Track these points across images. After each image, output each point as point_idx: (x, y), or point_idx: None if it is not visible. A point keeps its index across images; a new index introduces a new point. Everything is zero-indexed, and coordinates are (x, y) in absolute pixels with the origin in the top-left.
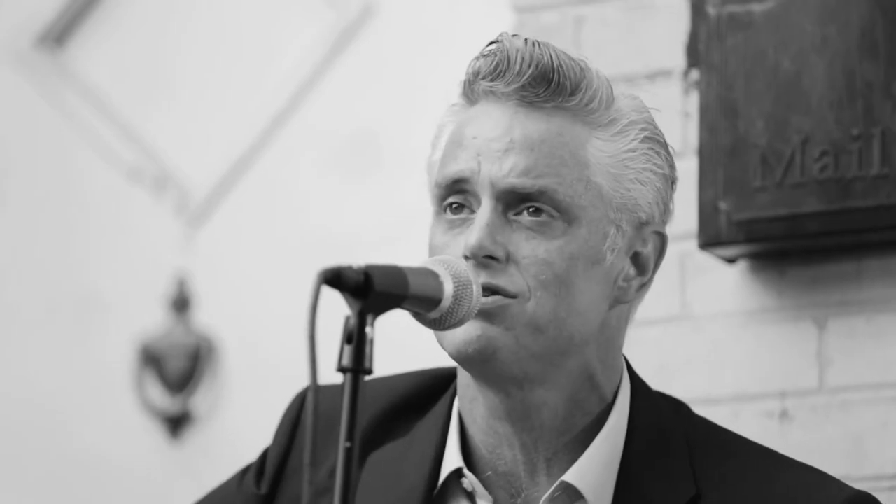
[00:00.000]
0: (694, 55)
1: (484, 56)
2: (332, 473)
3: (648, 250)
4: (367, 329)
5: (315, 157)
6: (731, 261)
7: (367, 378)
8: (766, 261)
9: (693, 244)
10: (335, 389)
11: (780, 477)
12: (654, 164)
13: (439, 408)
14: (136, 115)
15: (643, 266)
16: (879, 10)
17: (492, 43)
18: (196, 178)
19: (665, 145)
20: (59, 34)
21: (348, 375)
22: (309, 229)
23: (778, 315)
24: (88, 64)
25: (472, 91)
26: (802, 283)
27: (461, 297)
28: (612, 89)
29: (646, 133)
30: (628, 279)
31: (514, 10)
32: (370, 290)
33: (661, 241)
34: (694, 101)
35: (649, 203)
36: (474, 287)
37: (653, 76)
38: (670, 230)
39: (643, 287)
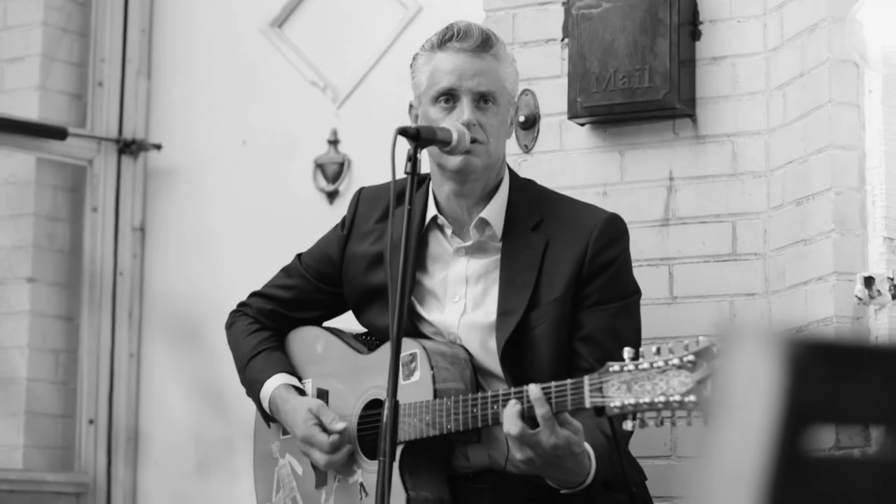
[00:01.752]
0: (566, 31)
1: (453, 27)
2: (378, 221)
3: (514, 115)
4: (419, 154)
5: None
6: (582, 124)
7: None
8: (598, 125)
9: (566, 117)
10: (382, 186)
11: (580, 207)
12: (517, 76)
13: (423, 189)
14: None
15: (513, 121)
16: (649, 14)
17: (456, 22)
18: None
19: (517, 68)
20: None
21: (410, 176)
22: None
23: (598, 148)
24: None
25: (442, 45)
26: (612, 135)
27: (460, 141)
28: (504, 44)
29: (513, 61)
30: (509, 128)
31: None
32: (419, 136)
33: (516, 108)
34: (566, 53)
35: (516, 93)
36: (466, 138)
37: (548, 41)
38: (557, 115)
39: (512, 130)
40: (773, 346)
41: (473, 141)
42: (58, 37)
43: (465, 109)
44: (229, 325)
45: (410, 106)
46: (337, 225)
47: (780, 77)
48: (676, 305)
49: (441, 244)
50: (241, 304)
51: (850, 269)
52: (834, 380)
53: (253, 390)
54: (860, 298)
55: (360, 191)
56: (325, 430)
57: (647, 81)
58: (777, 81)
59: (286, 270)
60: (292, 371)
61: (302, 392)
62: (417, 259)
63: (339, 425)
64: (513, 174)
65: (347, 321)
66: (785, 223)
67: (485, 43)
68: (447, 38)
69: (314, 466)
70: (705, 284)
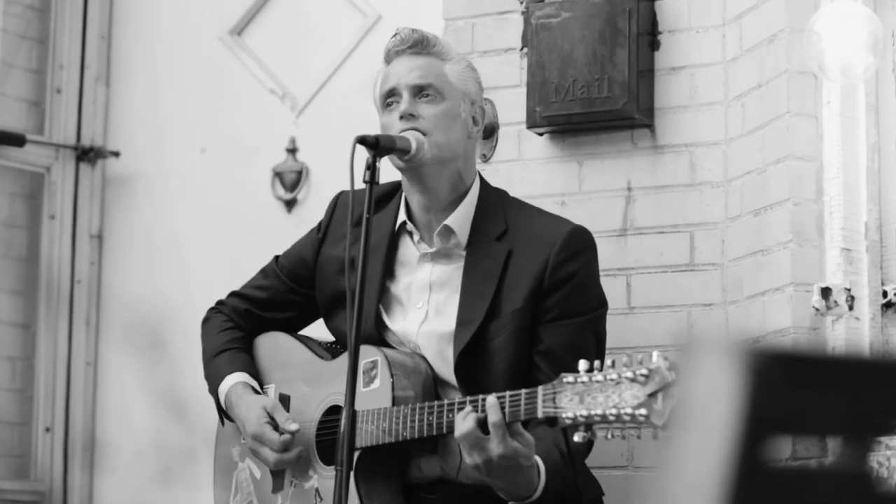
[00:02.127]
0: (525, 41)
1: (394, 38)
2: (352, 226)
3: (478, 115)
4: (377, 163)
5: None
6: (540, 134)
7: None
8: (557, 135)
9: (524, 126)
10: (360, 192)
11: (545, 218)
12: (474, 77)
13: (396, 198)
14: None
15: (477, 122)
16: (608, 24)
17: (396, 32)
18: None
19: (475, 71)
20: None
21: (368, 185)
22: None
23: (557, 158)
24: None
25: (388, 57)
26: (570, 145)
27: (419, 149)
28: (451, 46)
29: (467, 64)
30: (471, 127)
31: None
32: (378, 145)
33: (483, 111)
34: (525, 62)
35: (475, 93)
36: (424, 145)
37: (507, 50)
38: (515, 124)
39: (478, 132)
40: (733, 357)
41: (414, 130)
42: (16, 43)
43: (403, 102)
44: (205, 322)
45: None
46: (314, 228)
47: (739, 87)
48: (634, 315)
49: (409, 249)
50: (218, 303)
51: (808, 279)
52: (794, 391)
53: (212, 385)
54: (817, 309)
55: (339, 195)
56: (277, 429)
57: (605, 91)
58: (735, 92)
59: (263, 271)
60: (254, 373)
61: (257, 392)
62: (387, 264)
63: (293, 426)
64: (484, 183)
65: (318, 331)
66: (742, 233)
67: (420, 42)
68: (389, 48)
69: (272, 472)
70: (663, 295)
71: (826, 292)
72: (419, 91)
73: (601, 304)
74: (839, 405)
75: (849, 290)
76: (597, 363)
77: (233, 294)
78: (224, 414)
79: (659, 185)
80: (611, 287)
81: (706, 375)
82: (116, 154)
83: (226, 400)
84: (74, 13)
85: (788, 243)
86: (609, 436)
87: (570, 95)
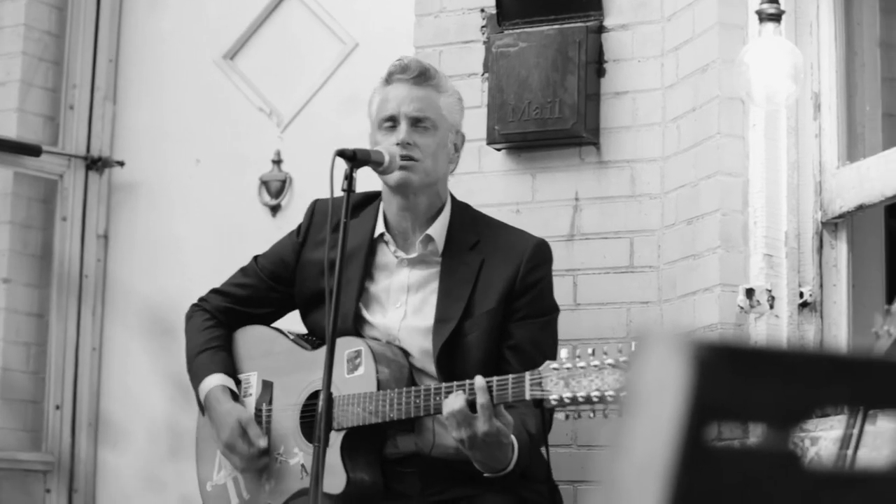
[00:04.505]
0: (486, 67)
1: (398, 63)
2: (331, 231)
3: (459, 142)
4: (354, 174)
5: None
6: (499, 149)
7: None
8: (513, 150)
9: (485, 142)
10: (335, 199)
11: (513, 232)
12: (460, 108)
13: (373, 205)
14: None
15: (457, 148)
16: (560, 53)
17: (401, 59)
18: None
19: (462, 101)
20: None
21: (346, 193)
22: None
23: (513, 171)
24: None
25: (389, 79)
26: (525, 160)
27: (391, 161)
28: (446, 78)
29: (458, 97)
30: (452, 154)
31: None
32: (355, 157)
33: (462, 138)
34: (486, 86)
35: (459, 122)
36: (397, 158)
37: (470, 75)
38: (476, 141)
39: (457, 156)
40: (681, 349)
41: (409, 158)
42: (35, 65)
43: (401, 131)
44: (188, 318)
45: (370, 135)
46: (293, 231)
47: (675, 111)
48: (580, 311)
49: (386, 255)
50: (200, 299)
51: (734, 281)
52: (735, 380)
53: (194, 383)
54: (742, 308)
55: (315, 202)
56: (249, 442)
57: (557, 112)
58: (672, 114)
59: (243, 270)
60: (232, 372)
61: (235, 395)
62: (366, 267)
63: (263, 442)
64: (453, 199)
65: (289, 325)
66: (677, 240)
67: (422, 75)
68: (392, 72)
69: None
70: (606, 293)
71: (750, 293)
72: (416, 122)
73: (556, 308)
74: (774, 393)
75: (770, 291)
76: (577, 351)
77: (214, 291)
78: (203, 408)
79: (603, 196)
80: (559, 286)
81: (657, 365)
82: (122, 164)
83: (205, 400)
84: (86, 39)
85: (717, 249)
86: (591, 415)
87: (526, 116)
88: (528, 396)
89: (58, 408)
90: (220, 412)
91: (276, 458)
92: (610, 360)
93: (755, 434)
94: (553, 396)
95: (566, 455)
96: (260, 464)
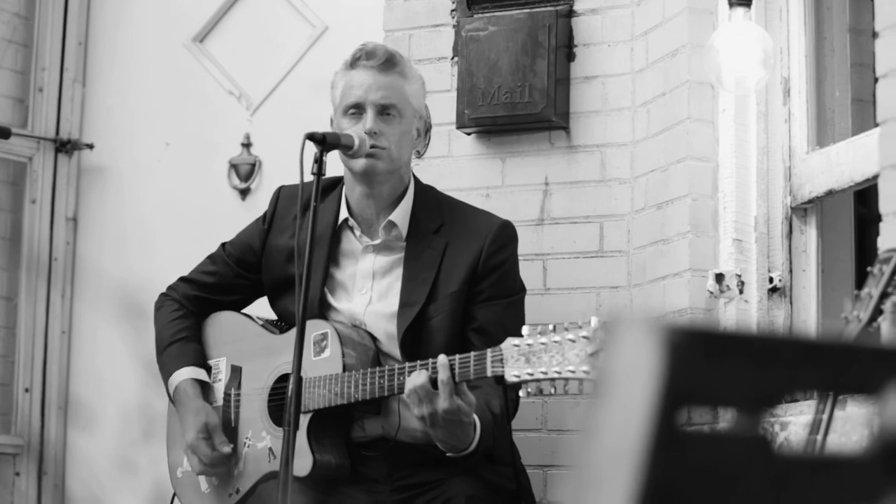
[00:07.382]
0: (456, 51)
1: (362, 48)
2: (295, 217)
3: (422, 127)
4: (324, 157)
5: None
6: (468, 134)
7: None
8: (483, 135)
9: (454, 127)
10: (298, 186)
11: (477, 214)
12: (423, 93)
13: (336, 191)
14: None
15: (420, 133)
16: (530, 37)
17: (365, 44)
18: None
19: (425, 86)
20: None
21: (316, 176)
22: None
23: (483, 155)
24: None
25: (354, 64)
26: (495, 144)
27: (361, 145)
28: (410, 63)
29: (421, 82)
30: (415, 139)
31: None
32: (325, 141)
33: (425, 123)
34: (455, 70)
35: (423, 108)
36: (367, 142)
37: (440, 59)
38: (446, 125)
39: (420, 142)
40: (653, 333)
41: (375, 147)
42: (3, 47)
43: (368, 119)
44: (157, 308)
45: (331, 119)
46: (259, 218)
47: (645, 95)
48: (549, 296)
49: (351, 242)
50: (169, 288)
51: (703, 266)
52: (707, 365)
53: (163, 376)
54: (711, 292)
55: (280, 189)
56: (212, 447)
57: (527, 97)
58: (642, 99)
59: (211, 258)
60: (202, 362)
61: (206, 385)
62: (330, 254)
63: (226, 448)
64: (416, 181)
65: (258, 311)
66: (646, 224)
67: (388, 61)
68: (357, 57)
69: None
70: (575, 278)
71: (719, 277)
72: (383, 109)
73: (522, 288)
74: (744, 378)
75: (739, 276)
76: (538, 327)
77: (182, 279)
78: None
79: (573, 180)
80: (529, 270)
81: (630, 349)
82: (91, 146)
83: (174, 394)
84: (55, 21)
85: (687, 234)
86: (553, 391)
87: (496, 100)
88: (489, 373)
89: (27, 391)
90: (188, 411)
91: (245, 441)
92: (570, 336)
93: (725, 419)
94: (514, 373)
95: (536, 439)
96: (220, 469)
